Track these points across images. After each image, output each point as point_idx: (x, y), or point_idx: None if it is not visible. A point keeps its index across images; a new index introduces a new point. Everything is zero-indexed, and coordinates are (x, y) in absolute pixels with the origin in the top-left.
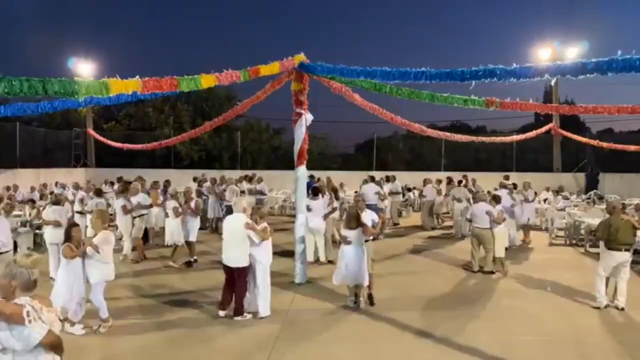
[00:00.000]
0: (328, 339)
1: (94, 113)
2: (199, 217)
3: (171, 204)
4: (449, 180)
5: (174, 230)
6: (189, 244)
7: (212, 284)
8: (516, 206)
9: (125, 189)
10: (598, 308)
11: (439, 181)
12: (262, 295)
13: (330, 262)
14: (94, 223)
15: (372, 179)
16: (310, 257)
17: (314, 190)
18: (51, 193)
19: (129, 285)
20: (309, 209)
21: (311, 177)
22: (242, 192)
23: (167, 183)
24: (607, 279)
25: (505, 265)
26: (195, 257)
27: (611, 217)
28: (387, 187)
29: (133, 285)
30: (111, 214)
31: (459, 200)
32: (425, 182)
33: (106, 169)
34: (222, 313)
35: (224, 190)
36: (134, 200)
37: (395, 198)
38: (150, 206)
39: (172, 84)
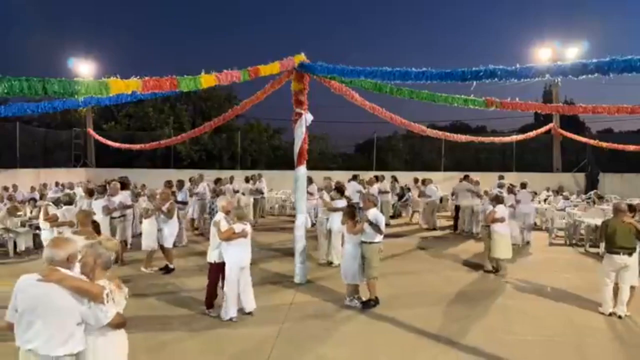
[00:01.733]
0: (328, 339)
1: (94, 113)
2: (175, 221)
3: (142, 205)
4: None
5: (148, 234)
6: (164, 249)
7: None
8: (520, 204)
9: (104, 189)
10: (603, 314)
11: (417, 180)
12: (226, 296)
13: (330, 263)
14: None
15: (355, 177)
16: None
17: (341, 191)
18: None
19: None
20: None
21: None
22: (237, 191)
23: (181, 183)
24: (616, 285)
25: (500, 267)
26: (172, 265)
27: (611, 219)
28: (376, 187)
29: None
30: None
31: (480, 197)
32: (425, 182)
33: (106, 169)
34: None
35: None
36: (116, 200)
37: (384, 197)
38: (130, 206)
39: (172, 84)
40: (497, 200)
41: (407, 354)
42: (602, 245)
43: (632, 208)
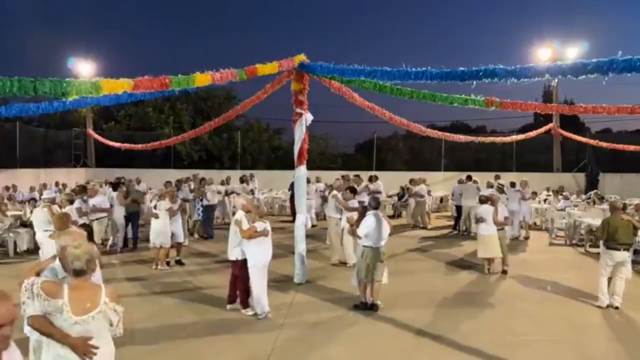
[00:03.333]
0: (328, 339)
1: (93, 113)
2: (181, 218)
3: (162, 204)
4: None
5: (161, 232)
6: (178, 244)
7: (210, 284)
8: (508, 202)
9: (83, 190)
10: (600, 307)
11: (411, 181)
12: (255, 293)
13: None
14: None
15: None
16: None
17: (354, 191)
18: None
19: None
20: None
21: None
22: (230, 193)
23: (179, 184)
24: (610, 278)
25: (487, 267)
26: (179, 258)
27: (610, 217)
28: (369, 187)
29: (122, 288)
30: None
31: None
32: (417, 182)
33: (106, 169)
34: (228, 307)
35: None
36: (92, 202)
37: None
38: (109, 209)
39: (163, 84)
40: (479, 200)
41: (408, 354)
42: (602, 242)
43: (624, 206)
